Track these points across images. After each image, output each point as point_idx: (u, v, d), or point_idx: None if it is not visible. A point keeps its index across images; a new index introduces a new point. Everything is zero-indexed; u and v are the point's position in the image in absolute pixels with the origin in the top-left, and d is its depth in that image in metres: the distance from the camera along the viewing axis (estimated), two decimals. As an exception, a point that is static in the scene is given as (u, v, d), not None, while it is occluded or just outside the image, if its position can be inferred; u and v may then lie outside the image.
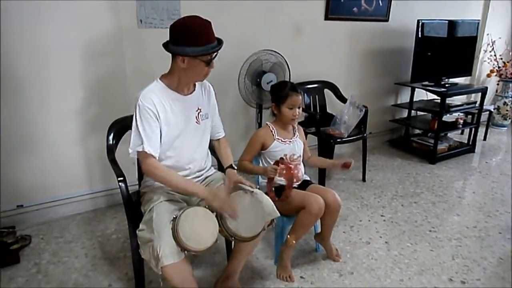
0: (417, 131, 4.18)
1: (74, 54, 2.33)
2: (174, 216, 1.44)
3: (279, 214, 1.67)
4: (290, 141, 2.05)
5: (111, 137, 1.84)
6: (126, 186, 1.68)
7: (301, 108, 2.03)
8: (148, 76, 1.64)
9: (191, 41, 1.46)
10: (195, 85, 1.68)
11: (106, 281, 1.92)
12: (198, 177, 1.73)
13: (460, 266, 2.09)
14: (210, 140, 1.83)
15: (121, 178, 1.68)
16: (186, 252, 1.40)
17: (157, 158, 1.53)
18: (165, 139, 1.57)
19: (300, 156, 2.09)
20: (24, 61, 2.19)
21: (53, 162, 2.43)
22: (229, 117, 2.95)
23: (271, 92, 2.10)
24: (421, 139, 3.92)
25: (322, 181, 2.89)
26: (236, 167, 1.75)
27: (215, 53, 1.53)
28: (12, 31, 2.11)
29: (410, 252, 2.21)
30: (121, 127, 1.84)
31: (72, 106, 2.41)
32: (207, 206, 1.53)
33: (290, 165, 1.96)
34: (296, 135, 2.10)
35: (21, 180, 2.35)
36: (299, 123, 3.05)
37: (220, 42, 1.55)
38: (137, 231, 1.52)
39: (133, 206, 1.70)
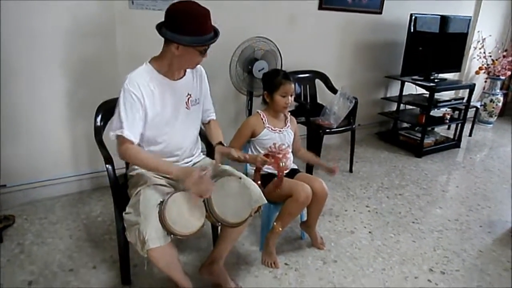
0: (405, 125, 4.22)
1: (61, 33, 2.27)
2: (162, 200, 1.44)
3: (266, 201, 1.68)
4: (280, 130, 2.05)
5: (98, 118, 1.81)
6: (113, 169, 1.67)
7: (293, 97, 2.03)
8: (139, 58, 1.60)
9: (190, 30, 1.44)
10: (185, 70, 1.66)
11: (90, 263, 1.92)
12: (187, 163, 1.72)
13: (440, 257, 2.14)
14: (201, 123, 1.83)
15: (108, 161, 1.66)
16: (172, 236, 1.40)
17: (135, 143, 1.51)
18: (152, 123, 1.55)
19: (289, 146, 2.09)
20: (9, 40, 2.13)
21: (39, 143, 2.38)
22: (219, 103, 2.90)
23: (263, 80, 2.09)
24: (409, 133, 3.96)
25: (309, 170, 2.90)
26: (225, 145, 1.74)
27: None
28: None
29: (393, 242, 2.25)
30: (109, 108, 1.79)
31: (61, 88, 2.36)
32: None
33: (279, 155, 1.97)
34: (287, 125, 2.10)
35: (5, 160, 2.30)
36: (289, 112, 3.08)
37: (217, 33, 1.53)
38: (123, 214, 1.51)
39: (120, 189, 1.68)
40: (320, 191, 1.93)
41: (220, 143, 1.72)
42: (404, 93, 4.01)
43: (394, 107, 4.17)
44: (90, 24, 2.33)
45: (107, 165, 1.65)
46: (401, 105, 4.05)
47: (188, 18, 1.44)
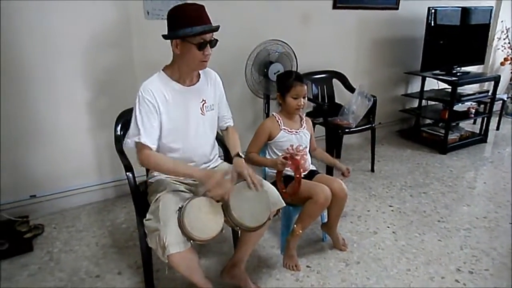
0: (428, 121, 4.12)
1: (81, 45, 2.35)
2: (180, 206, 1.45)
3: (284, 204, 1.68)
4: (296, 132, 2.05)
5: (118, 128, 1.86)
6: (134, 177, 1.71)
7: (306, 98, 2.02)
8: (156, 67, 1.64)
9: (181, 24, 1.47)
10: (199, 76, 1.69)
11: (116, 269, 1.97)
12: (204, 168, 1.74)
13: (468, 256, 2.07)
14: (218, 130, 1.84)
15: (129, 169, 1.70)
16: (191, 241, 1.42)
17: (154, 149, 1.54)
18: (167, 130, 1.58)
19: (306, 147, 2.09)
20: (33, 52, 2.23)
21: (64, 153, 2.47)
22: (236, 107, 2.92)
23: (276, 82, 2.10)
24: (432, 129, 3.87)
25: (330, 171, 2.88)
26: (243, 157, 1.74)
27: (210, 38, 1.51)
28: (20, 22, 2.14)
29: (417, 242, 2.20)
30: (128, 117, 1.84)
31: (82, 98, 2.44)
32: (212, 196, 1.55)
33: (297, 156, 1.97)
34: (303, 126, 2.09)
35: (33, 170, 2.40)
36: (307, 114, 3.07)
37: (216, 28, 1.53)
38: (144, 221, 1.54)
39: (141, 196, 1.72)
40: (340, 192, 1.91)
41: (238, 154, 1.70)
42: (425, 89, 3.91)
43: (415, 103, 4.08)
44: (108, 35, 2.40)
45: (127, 173, 1.69)
46: (423, 101, 3.95)
47: (180, 13, 1.48)
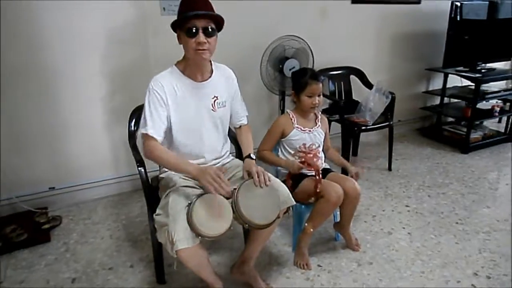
0: (450, 119, 3.99)
1: (99, 41, 2.39)
2: (189, 202, 1.46)
3: (294, 202, 1.66)
4: (310, 130, 2.02)
5: (132, 123, 1.88)
6: (146, 172, 1.73)
7: (321, 96, 1.98)
8: (172, 63, 1.64)
9: (179, 13, 1.49)
10: (212, 71, 1.68)
11: (128, 262, 2.00)
12: (214, 165, 1.74)
13: (486, 260, 2.00)
14: (231, 127, 1.84)
15: (141, 164, 1.72)
16: (200, 237, 1.43)
17: (159, 141, 1.55)
18: (177, 125, 1.59)
19: (320, 146, 2.06)
20: (59, 52, 2.30)
21: (83, 147, 2.53)
22: (252, 103, 2.92)
23: (291, 79, 2.07)
24: (454, 128, 3.75)
25: (344, 171, 2.83)
26: (254, 157, 1.72)
27: (202, 25, 1.45)
28: (41, 19, 2.19)
29: (433, 244, 2.14)
30: (141, 113, 1.88)
31: (99, 93, 2.49)
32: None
33: (309, 155, 1.95)
34: (317, 125, 2.06)
35: (53, 163, 2.47)
36: (323, 111, 3.03)
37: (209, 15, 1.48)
38: (154, 215, 1.56)
39: (152, 191, 1.74)
40: (352, 191, 1.87)
41: (249, 155, 1.69)
42: (448, 86, 3.79)
43: (437, 101, 3.96)
44: (125, 32, 2.43)
45: (139, 168, 1.71)
46: (445, 98, 3.84)
47: (181, 3, 1.51)
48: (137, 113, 1.88)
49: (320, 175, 1.88)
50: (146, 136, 1.54)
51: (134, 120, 1.88)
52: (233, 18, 2.72)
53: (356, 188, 1.89)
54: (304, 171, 1.94)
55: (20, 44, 2.19)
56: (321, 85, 1.96)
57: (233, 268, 1.82)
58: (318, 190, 1.83)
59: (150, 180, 1.81)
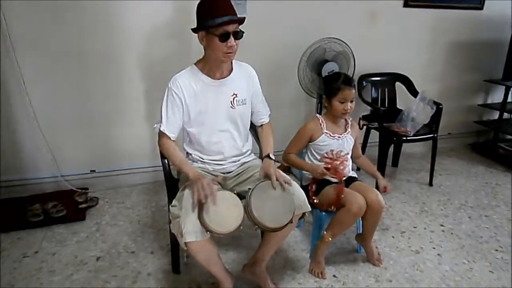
0: (509, 137, 3.66)
1: (145, 35, 2.50)
2: (203, 197, 1.49)
3: (310, 208, 1.63)
4: (339, 137, 1.96)
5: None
6: (169, 164, 1.78)
7: (353, 103, 1.92)
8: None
9: (204, 15, 1.51)
10: (231, 69, 1.69)
11: (150, 248, 2.09)
12: (234, 162, 1.75)
13: (523, 295, 1.82)
14: (254, 126, 1.84)
15: (164, 156, 1.78)
16: (209, 232, 1.45)
17: (172, 138, 1.63)
18: (195, 122, 1.64)
19: (348, 153, 1.99)
20: (109, 45, 2.45)
21: (124, 134, 2.68)
22: (289, 105, 2.92)
23: (324, 83, 2.03)
24: (511, 146, 3.43)
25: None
26: (273, 157, 1.71)
27: (233, 30, 1.49)
28: (92, 10, 2.35)
29: (464, 269, 1.98)
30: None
31: (142, 85, 2.60)
32: (235, 192, 1.57)
33: (336, 161, 1.90)
34: (347, 131, 2.00)
35: (95, 148, 2.64)
36: (363, 117, 2.93)
37: (239, 19, 1.52)
38: (170, 206, 1.62)
39: (174, 183, 1.80)
40: (375, 204, 1.79)
41: (268, 155, 1.68)
42: (509, 100, 3.47)
43: (495, 115, 3.64)
44: (168, 26, 2.52)
45: (162, 160, 1.78)
46: (505, 113, 3.52)
47: (204, 5, 1.52)
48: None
49: (343, 184, 1.83)
50: (160, 132, 1.64)
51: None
52: (275, 18, 2.74)
53: (380, 201, 1.80)
54: (328, 177, 1.89)
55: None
56: (354, 90, 1.90)
57: (245, 267, 1.82)
58: (340, 199, 1.78)
59: (176, 172, 1.87)
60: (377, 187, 1.98)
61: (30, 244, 2.10)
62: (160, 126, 1.62)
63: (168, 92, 1.61)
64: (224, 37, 1.49)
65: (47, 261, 1.96)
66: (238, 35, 1.53)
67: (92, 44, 2.41)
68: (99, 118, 2.58)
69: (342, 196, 1.79)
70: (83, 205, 2.43)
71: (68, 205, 2.38)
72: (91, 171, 2.69)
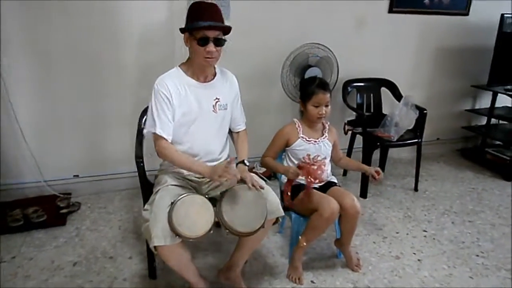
0: (497, 142, 3.66)
1: (135, 41, 2.51)
2: (173, 201, 1.49)
3: (283, 213, 1.62)
4: (315, 141, 1.96)
5: (143, 120, 1.94)
6: (143, 167, 1.78)
7: (329, 107, 1.92)
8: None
9: (189, 17, 1.54)
10: (215, 74, 1.70)
11: (128, 253, 2.08)
12: (210, 166, 1.75)
13: (501, 301, 1.81)
14: (230, 132, 1.84)
15: (140, 159, 1.78)
16: (178, 237, 1.44)
17: (169, 140, 1.60)
18: (179, 123, 1.63)
19: (325, 157, 1.99)
20: (104, 49, 2.46)
21: (107, 140, 2.67)
22: (275, 110, 2.91)
23: (300, 88, 2.03)
24: (499, 151, 3.43)
25: (364, 188, 2.73)
26: (248, 164, 1.72)
27: (214, 36, 1.51)
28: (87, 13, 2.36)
29: (443, 275, 1.97)
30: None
31: (126, 89, 2.60)
32: (210, 196, 1.56)
33: (313, 166, 1.89)
34: (324, 136, 2.00)
35: (78, 153, 2.63)
36: (349, 122, 2.93)
37: (223, 27, 1.54)
38: (142, 210, 1.61)
39: (149, 187, 1.79)
40: (350, 208, 1.78)
41: (242, 161, 1.70)
42: (496, 105, 3.48)
43: (483, 121, 3.65)
44: (155, 31, 2.53)
45: (137, 164, 1.77)
46: (492, 119, 3.53)
47: (192, 8, 1.54)
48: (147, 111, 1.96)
49: (312, 183, 1.81)
50: (156, 136, 1.60)
51: (144, 118, 1.95)
52: (260, 23, 2.75)
53: (355, 206, 1.79)
54: (302, 180, 1.88)
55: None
56: (329, 95, 1.90)
57: (219, 273, 1.81)
58: (309, 199, 1.78)
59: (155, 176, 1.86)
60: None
61: (9, 249, 2.08)
62: (155, 129, 1.58)
63: (156, 93, 1.59)
64: (203, 42, 1.51)
65: (23, 266, 1.94)
66: (219, 42, 1.55)
67: (74, 50, 2.41)
68: (83, 123, 2.58)
69: (310, 196, 1.78)
70: (64, 210, 2.42)
71: (49, 210, 2.37)
72: (74, 176, 2.68)
